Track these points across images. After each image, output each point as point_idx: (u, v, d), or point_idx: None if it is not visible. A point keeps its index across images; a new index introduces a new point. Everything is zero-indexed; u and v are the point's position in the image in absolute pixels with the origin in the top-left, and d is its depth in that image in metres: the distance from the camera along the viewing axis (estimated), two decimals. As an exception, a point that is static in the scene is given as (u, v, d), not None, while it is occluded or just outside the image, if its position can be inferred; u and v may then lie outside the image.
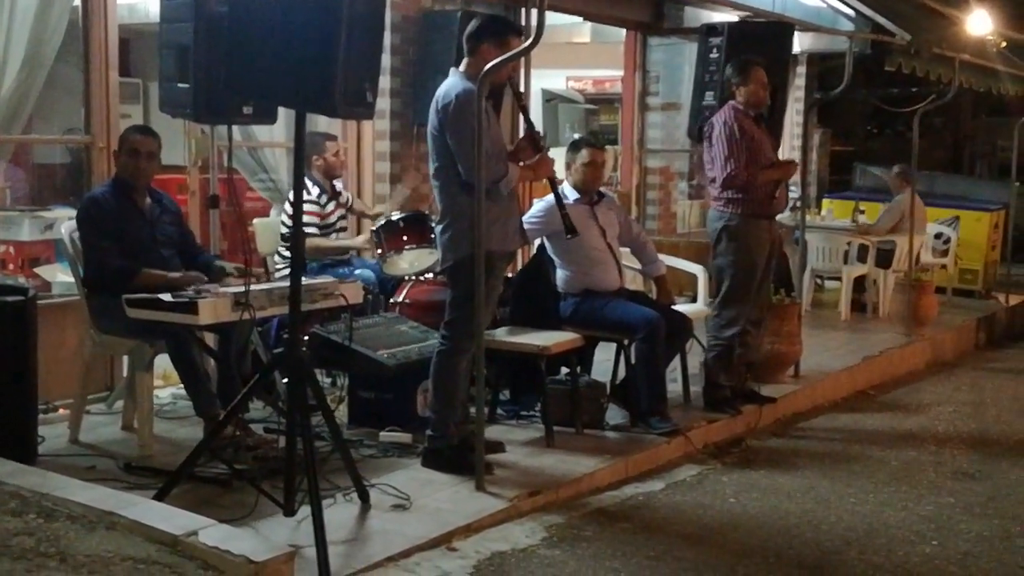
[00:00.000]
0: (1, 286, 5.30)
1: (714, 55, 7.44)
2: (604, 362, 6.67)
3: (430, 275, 6.62)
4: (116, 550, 3.69)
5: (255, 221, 7.18)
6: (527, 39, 5.02)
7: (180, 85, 5.45)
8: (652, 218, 10.94)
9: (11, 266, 7.17)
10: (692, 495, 5.50)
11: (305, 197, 6.54)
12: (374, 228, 6.78)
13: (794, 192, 9.30)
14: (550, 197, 5.92)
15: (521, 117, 5.59)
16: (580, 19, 10.84)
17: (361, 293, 5.81)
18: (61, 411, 5.84)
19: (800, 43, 11.04)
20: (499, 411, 6.20)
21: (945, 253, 11.66)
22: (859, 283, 10.38)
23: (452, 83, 5.12)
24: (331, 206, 6.94)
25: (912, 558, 4.77)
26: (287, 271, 6.10)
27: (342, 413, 5.75)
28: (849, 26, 10.99)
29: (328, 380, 6.48)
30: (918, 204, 10.08)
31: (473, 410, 5.23)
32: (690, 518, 5.16)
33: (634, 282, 7.02)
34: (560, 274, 6.37)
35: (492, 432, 5.68)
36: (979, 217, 12.22)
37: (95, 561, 3.59)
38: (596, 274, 6.32)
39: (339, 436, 4.74)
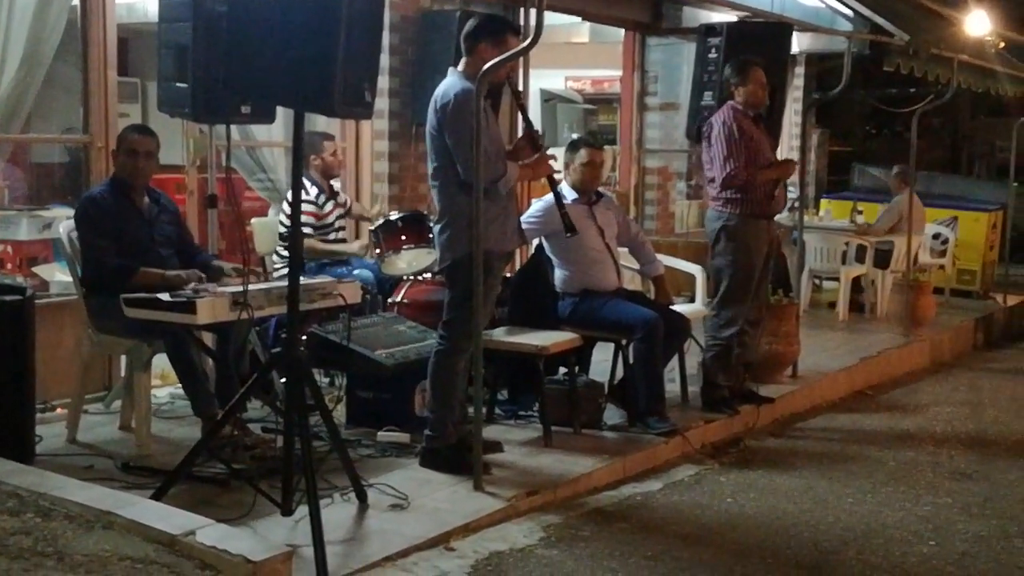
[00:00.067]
0: (-1, 285, 5.30)
1: (713, 55, 7.45)
2: (602, 362, 6.67)
3: (428, 275, 6.62)
4: (114, 549, 3.69)
5: (253, 221, 7.18)
6: (526, 39, 5.02)
7: (179, 84, 5.45)
8: (650, 218, 10.94)
9: (9, 265, 7.17)
10: (690, 495, 5.51)
11: (303, 197, 6.53)
12: (372, 228, 6.78)
13: (792, 192, 9.30)
14: (549, 197, 5.92)
15: (520, 116, 5.59)
16: (579, 19, 10.85)
17: (359, 293, 5.81)
18: (59, 410, 5.84)
19: (798, 43, 11.04)
20: (497, 411, 6.20)
21: (943, 253, 11.66)
22: (857, 283, 10.38)
23: (450, 83, 5.12)
24: (329, 206, 6.94)
25: (910, 558, 4.77)
26: (285, 271, 6.10)
27: (340, 413, 5.76)
28: (847, 26, 10.99)
29: (326, 380, 6.47)
30: (917, 205, 10.09)
31: (471, 410, 5.23)
32: (688, 518, 5.17)
33: (632, 282, 7.02)
34: (558, 274, 6.37)
35: (490, 432, 5.67)
36: (977, 217, 12.23)
37: (92, 560, 3.59)
38: (594, 274, 6.32)
39: (337, 436, 4.74)
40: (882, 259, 10.27)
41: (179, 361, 5.26)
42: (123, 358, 5.85)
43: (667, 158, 11.08)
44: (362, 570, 4.16)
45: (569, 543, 4.68)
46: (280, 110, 5.71)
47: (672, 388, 6.56)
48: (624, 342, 6.35)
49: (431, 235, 5.98)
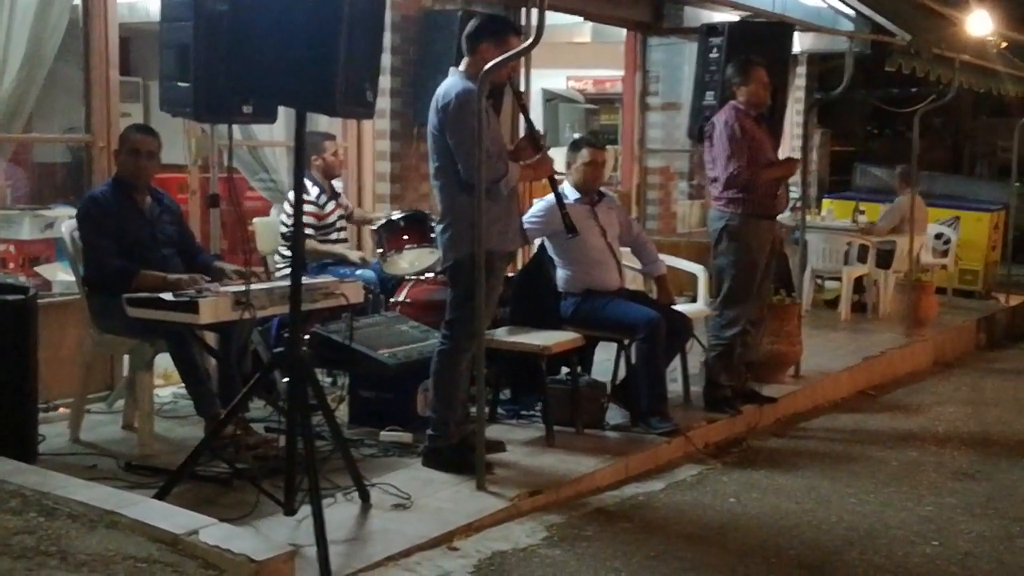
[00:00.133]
0: (2, 285, 5.29)
1: (714, 55, 7.44)
2: (604, 362, 6.67)
3: (430, 275, 6.61)
4: (117, 549, 3.69)
5: (255, 220, 7.18)
6: (527, 39, 5.02)
7: (180, 84, 5.42)
8: (652, 218, 10.94)
9: (11, 265, 7.17)
10: (692, 495, 5.50)
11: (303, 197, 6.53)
12: (375, 228, 6.78)
13: (794, 192, 9.30)
14: (550, 197, 5.91)
15: (521, 117, 5.59)
16: (580, 19, 10.84)
17: (362, 292, 5.81)
18: (62, 410, 5.84)
19: (800, 43, 11.04)
20: (499, 411, 6.20)
21: (945, 253, 11.66)
22: (858, 283, 10.38)
23: (452, 83, 5.12)
24: (330, 206, 6.94)
25: (913, 558, 4.77)
26: (287, 270, 6.09)
27: (343, 412, 5.75)
28: (849, 26, 10.98)
29: (329, 379, 6.48)
30: (919, 205, 10.09)
31: (474, 410, 5.23)
32: (690, 518, 5.16)
33: (634, 282, 7.02)
34: (560, 274, 6.37)
35: (493, 432, 5.67)
36: (979, 217, 12.23)
37: (96, 560, 3.58)
38: (596, 274, 6.32)
39: (340, 435, 4.74)
40: (884, 259, 10.27)
41: (181, 361, 5.26)
42: (126, 358, 5.85)
43: (669, 158, 11.08)
44: (365, 570, 4.16)
45: (572, 543, 4.68)
46: (282, 110, 5.70)
47: (674, 388, 6.56)
48: (626, 342, 6.35)
49: (433, 235, 5.99)
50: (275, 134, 7.40)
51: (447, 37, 7.42)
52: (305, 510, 4.23)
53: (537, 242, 6.51)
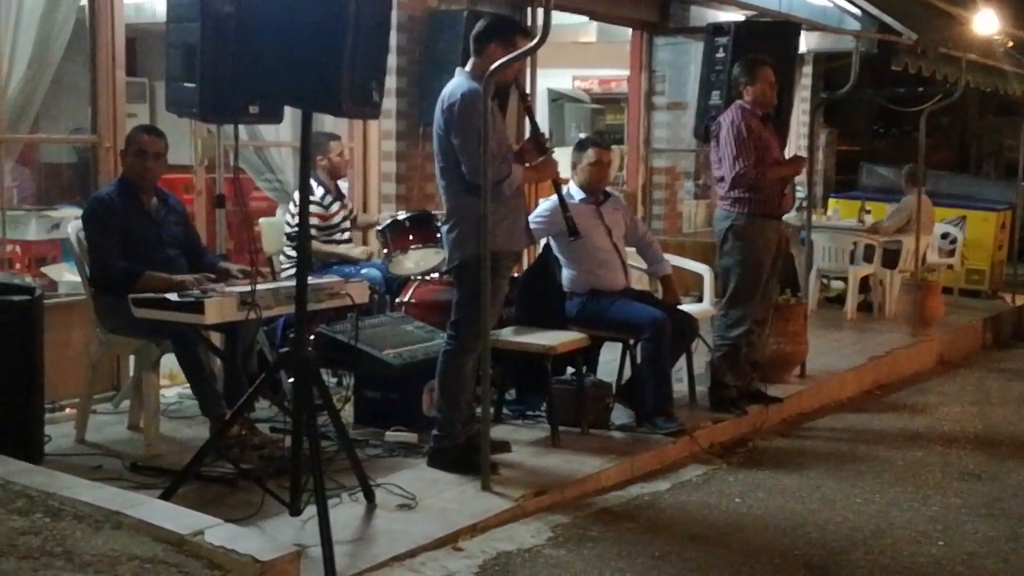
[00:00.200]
0: (8, 285, 5.30)
1: (720, 54, 7.43)
2: (610, 362, 6.66)
3: (436, 275, 6.62)
4: (122, 549, 3.69)
5: (261, 221, 7.19)
6: (533, 38, 5.02)
7: (187, 85, 5.44)
8: (658, 218, 10.93)
9: (18, 265, 7.18)
10: (698, 495, 5.50)
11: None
12: (380, 228, 6.79)
13: (800, 192, 9.29)
14: (555, 197, 5.91)
15: (527, 118, 5.59)
16: (586, 19, 10.84)
17: (367, 293, 5.81)
18: (68, 410, 5.85)
19: (806, 42, 11.01)
20: (505, 411, 6.20)
21: (951, 253, 11.64)
22: (864, 283, 10.37)
23: (458, 83, 5.13)
24: (335, 207, 6.95)
25: (918, 558, 4.76)
26: (292, 270, 6.10)
27: (348, 413, 5.77)
28: (855, 25, 10.96)
29: (334, 380, 6.48)
30: (926, 204, 10.07)
31: (479, 410, 5.23)
32: (696, 518, 5.16)
33: (640, 282, 7.01)
34: (566, 274, 6.37)
35: (498, 432, 5.67)
36: (986, 217, 12.20)
37: (101, 560, 3.59)
38: (602, 274, 6.32)
39: (345, 436, 4.74)
40: (890, 259, 10.25)
41: (187, 361, 5.27)
42: (131, 358, 5.86)
43: (674, 158, 11.06)
44: (370, 570, 4.16)
45: (577, 543, 4.68)
46: (288, 110, 5.71)
47: (680, 388, 6.56)
48: (632, 342, 6.34)
49: (439, 235, 5.99)
50: (281, 134, 7.40)
51: (453, 37, 7.42)
52: (310, 510, 4.23)
53: (543, 242, 6.50)
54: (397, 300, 6.59)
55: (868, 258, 10.26)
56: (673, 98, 10.82)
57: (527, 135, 5.52)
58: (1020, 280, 12.02)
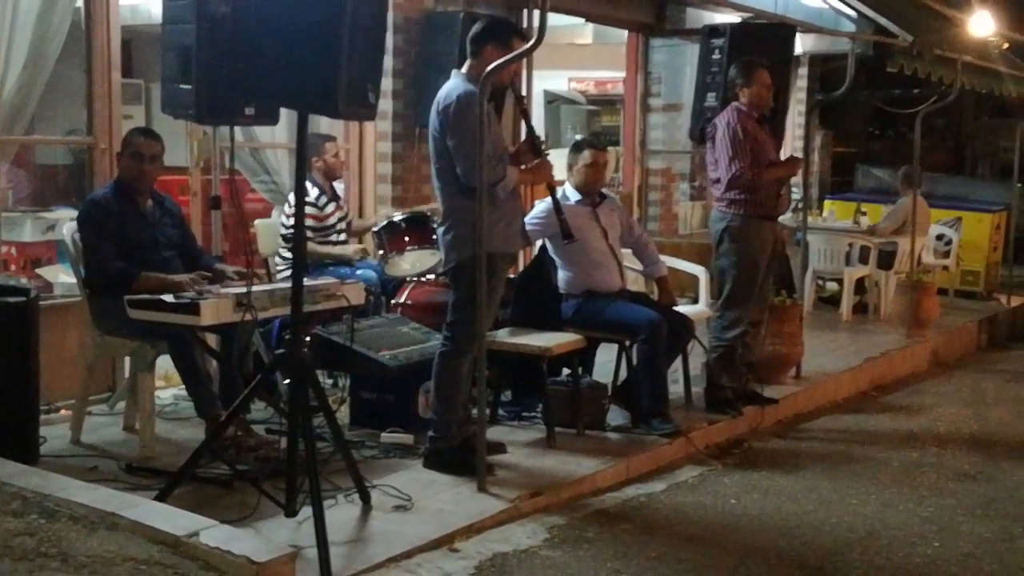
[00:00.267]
0: (3, 287, 5.31)
1: (716, 56, 7.44)
2: (606, 363, 6.67)
3: (432, 276, 6.62)
4: (118, 551, 3.69)
5: (256, 222, 7.19)
6: (529, 40, 5.03)
7: (182, 86, 5.44)
8: (654, 219, 10.94)
9: (13, 267, 7.17)
10: (693, 496, 5.51)
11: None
12: (375, 230, 6.79)
13: (796, 193, 9.30)
14: (550, 200, 5.92)
15: (522, 121, 5.59)
16: (582, 20, 10.84)
17: (363, 294, 5.81)
18: (63, 412, 5.85)
19: (802, 44, 11.05)
20: (501, 412, 6.20)
21: (947, 254, 11.66)
22: (860, 284, 10.38)
23: (453, 85, 5.13)
24: (330, 208, 6.94)
25: (913, 559, 4.77)
26: (288, 272, 6.10)
27: (343, 414, 5.76)
28: (851, 27, 10.99)
29: (330, 381, 6.48)
30: (922, 206, 10.08)
31: (475, 411, 5.24)
32: (691, 519, 5.16)
33: (636, 283, 7.02)
34: (562, 275, 6.37)
35: (494, 433, 5.68)
36: (981, 218, 12.22)
37: (96, 562, 3.59)
38: (598, 275, 6.33)
39: (340, 437, 4.74)
40: (885, 260, 10.27)
41: (182, 362, 5.26)
42: (127, 359, 5.86)
43: (670, 159, 11.07)
44: (366, 571, 4.16)
45: (573, 544, 4.69)
46: (283, 111, 5.71)
47: (676, 389, 6.56)
48: (627, 343, 6.35)
49: (435, 236, 5.99)
50: (277, 136, 7.40)
51: (449, 39, 7.42)
52: (306, 511, 4.24)
53: (538, 244, 6.51)
54: (393, 302, 6.59)
55: (864, 259, 10.28)
56: (669, 100, 10.83)
57: (523, 137, 5.53)
58: (1015, 281, 12.05)
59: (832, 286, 10.73)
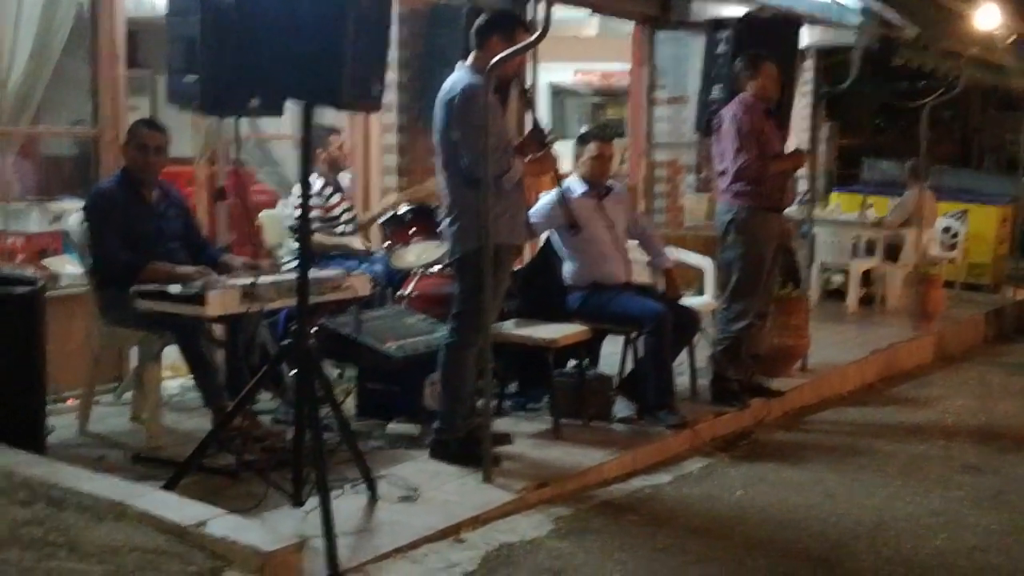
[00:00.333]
0: (10, 277, 5.30)
1: (721, 49, 7.42)
2: (612, 355, 6.67)
3: (437, 268, 6.62)
4: (125, 540, 3.70)
5: (262, 213, 7.19)
6: (534, 32, 5.02)
7: (188, 78, 5.44)
8: (659, 211, 10.93)
9: (19, 257, 7.17)
10: (699, 488, 5.51)
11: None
12: (381, 222, 6.79)
13: (802, 186, 9.28)
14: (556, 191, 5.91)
15: (528, 113, 5.58)
16: (588, 12, 10.82)
17: (369, 285, 5.81)
18: (70, 402, 5.85)
19: (808, 37, 10.98)
20: (507, 403, 6.20)
21: (953, 247, 11.64)
22: (867, 277, 10.37)
23: (459, 77, 5.13)
24: (335, 199, 6.94)
25: (921, 551, 4.77)
26: (294, 263, 6.10)
27: (350, 405, 5.77)
28: (857, 20, 10.94)
29: (336, 372, 6.48)
30: (929, 198, 10.07)
31: (481, 402, 5.24)
32: (697, 511, 5.17)
33: (642, 275, 7.01)
34: (567, 267, 6.37)
35: (500, 424, 5.68)
36: (988, 211, 12.21)
37: (104, 551, 3.60)
38: (603, 267, 6.32)
39: (347, 428, 4.75)
40: (892, 252, 10.26)
41: (189, 353, 5.27)
42: (134, 350, 5.86)
43: (676, 151, 11.05)
44: (372, 561, 4.17)
45: (579, 535, 4.69)
46: (289, 103, 5.70)
47: (681, 381, 6.56)
48: (633, 335, 6.35)
49: (440, 228, 5.98)
50: (282, 127, 7.39)
51: (454, 31, 7.40)
52: (312, 502, 4.24)
53: (544, 236, 6.50)
54: (399, 293, 6.59)
55: (870, 252, 10.27)
56: (674, 92, 10.81)
57: (529, 129, 5.52)
58: (1021, 274, 12.04)
59: (838, 279, 10.72)
